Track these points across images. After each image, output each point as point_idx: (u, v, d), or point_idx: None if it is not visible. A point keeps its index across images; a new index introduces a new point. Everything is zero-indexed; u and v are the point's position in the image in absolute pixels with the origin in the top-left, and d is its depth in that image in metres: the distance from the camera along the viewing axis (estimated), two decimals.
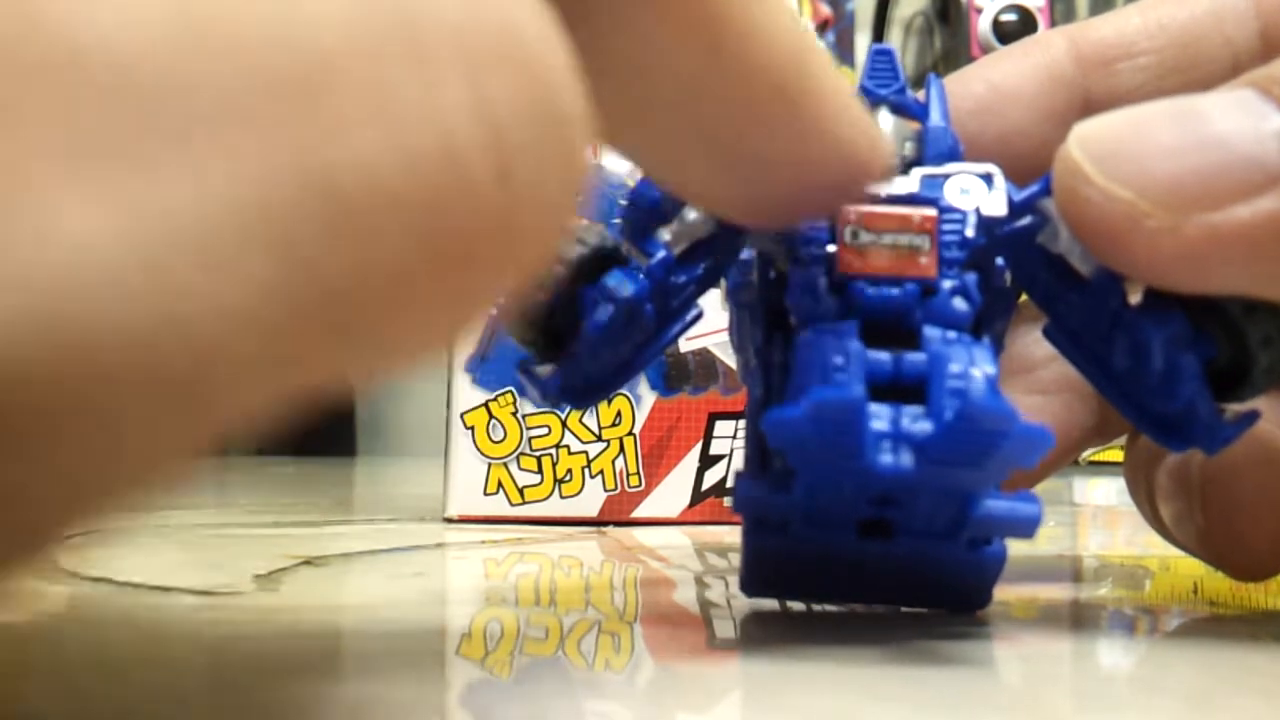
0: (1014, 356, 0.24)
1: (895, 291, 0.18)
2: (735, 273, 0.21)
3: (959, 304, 0.18)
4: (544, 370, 0.20)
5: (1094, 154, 0.18)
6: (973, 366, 0.17)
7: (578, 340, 0.19)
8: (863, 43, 1.30)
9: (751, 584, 0.20)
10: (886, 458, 0.16)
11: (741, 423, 0.36)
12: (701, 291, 0.21)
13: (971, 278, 0.18)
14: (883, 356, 0.17)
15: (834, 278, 0.18)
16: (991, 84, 0.23)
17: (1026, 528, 0.18)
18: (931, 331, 0.18)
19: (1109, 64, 0.23)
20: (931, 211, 0.18)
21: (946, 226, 0.18)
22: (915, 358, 0.17)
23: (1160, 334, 0.18)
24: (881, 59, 0.20)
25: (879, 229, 0.18)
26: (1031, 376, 0.24)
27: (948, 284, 0.18)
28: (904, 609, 0.21)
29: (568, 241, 0.19)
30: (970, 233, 0.18)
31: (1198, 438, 0.19)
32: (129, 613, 0.20)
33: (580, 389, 0.20)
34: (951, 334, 0.18)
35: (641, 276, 0.19)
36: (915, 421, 0.16)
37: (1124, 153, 0.17)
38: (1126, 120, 0.18)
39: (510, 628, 0.20)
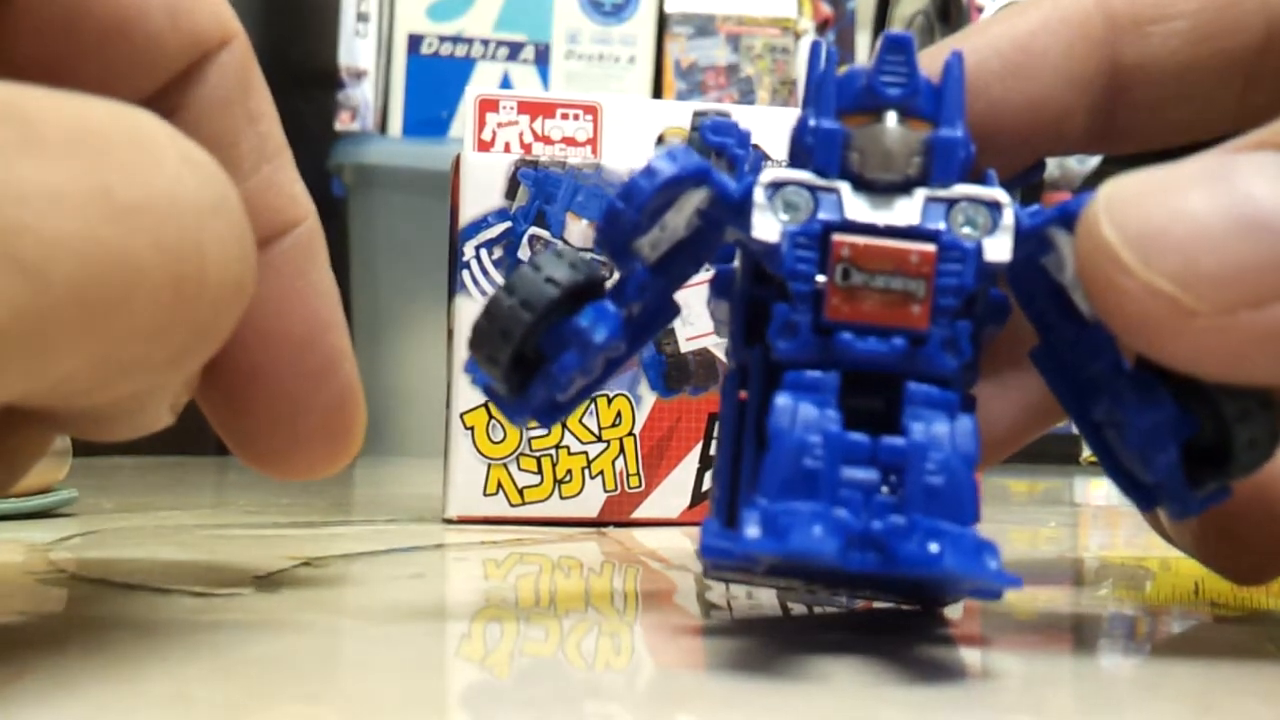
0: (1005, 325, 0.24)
1: (883, 348, 0.17)
2: (717, 257, 0.20)
3: (948, 358, 0.17)
4: (508, 393, 0.20)
5: (1129, 236, 0.16)
6: (954, 451, 0.16)
7: (545, 374, 0.19)
8: (863, 42, 1.31)
9: (714, 575, 0.20)
10: (853, 556, 0.16)
11: None
12: (676, 289, 0.20)
13: (964, 326, 0.18)
14: (861, 440, 0.17)
15: (819, 320, 0.17)
16: (1018, 44, 0.21)
17: (991, 596, 0.17)
18: (914, 390, 0.17)
19: (1141, 25, 0.21)
20: (931, 248, 0.17)
21: (945, 267, 0.17)
22: (894, 442, 0.17)
23: (1144, 420, 0.18)
24: (895, 51, 0.18)
25: (872, 268, 0.17)
26: (1019, 346, 0.24)
27: (938, 333, 0.17)
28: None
29: (535, 284, 0.18)
30: (969, 280, 0.17)
31: (1162, 503, 0.19)
32: (129, 613, 0.20)
33: (547, 409, 0.20)
34: (935, 391, 0.17)
35: (614, 310, 0.19)
36: (884, 516, 0.16)
37: (1163, 237, 0.16)
38: (1158, 190, 0.16)
39: (510, 629, 0.20)
